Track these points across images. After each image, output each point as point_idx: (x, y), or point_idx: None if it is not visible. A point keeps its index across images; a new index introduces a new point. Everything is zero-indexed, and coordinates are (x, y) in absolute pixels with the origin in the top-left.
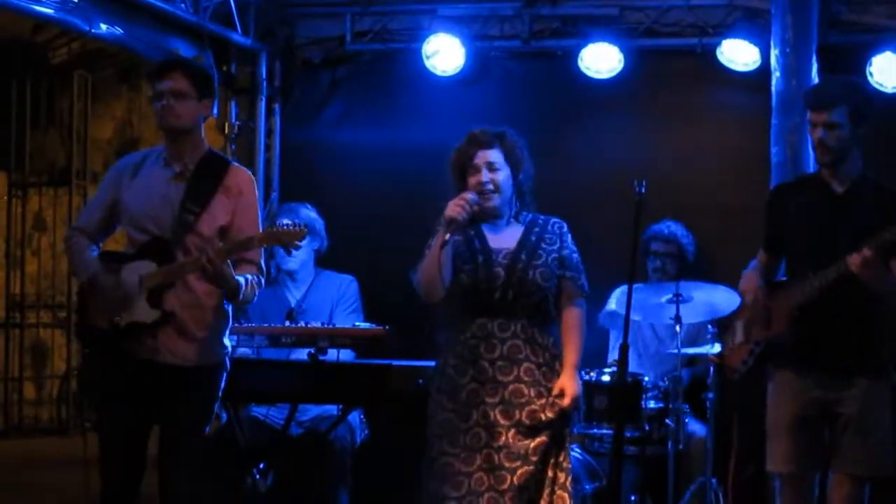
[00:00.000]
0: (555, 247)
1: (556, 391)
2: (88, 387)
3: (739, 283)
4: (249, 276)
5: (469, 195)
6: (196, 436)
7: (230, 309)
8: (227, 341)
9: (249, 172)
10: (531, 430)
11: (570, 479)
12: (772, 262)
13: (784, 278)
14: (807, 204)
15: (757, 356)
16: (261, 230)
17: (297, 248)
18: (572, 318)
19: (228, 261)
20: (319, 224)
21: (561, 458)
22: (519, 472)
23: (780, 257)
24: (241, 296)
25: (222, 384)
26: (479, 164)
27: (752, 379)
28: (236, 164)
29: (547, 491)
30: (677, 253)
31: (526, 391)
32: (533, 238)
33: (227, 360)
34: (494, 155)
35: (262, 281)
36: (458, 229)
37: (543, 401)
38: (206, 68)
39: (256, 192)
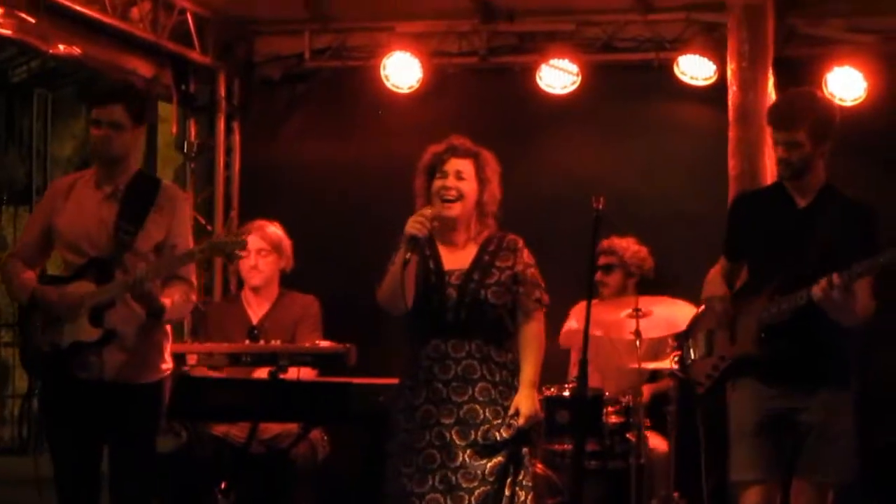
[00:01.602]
0: (509, 263)
1: (511, 410)
2: (41, 408)
3: (703, 289)
4: (178, 295)
5: (427, 211)
6: (145, 452)
7: (167, 327)
8: (168, 356)
9: (180, 189)
10: (487, 450)
11: (531, 496)
12: (734, 268)
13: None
14: (770, 216)
15: (722, 371)
16: (192, 244)
17: (239, 257)
18: (529, 333)
19: (157, 281)
20: (286, 243)
21: (520, 477)
22: (476, 492)
23: (742, 263)
24: (163, 317)
25: (165, 399)
26: (449, 170)
27: (716, 392)
28: (166, 182)
29: None
30: (618, 264)
31: (481, 411)
32: (486, 257)
33: (168, 374)
34: (466, 166)
35: (194, 297)
36: (417, 246)
37: (499, 420)
38: (144, 92)
39: (188, 208)
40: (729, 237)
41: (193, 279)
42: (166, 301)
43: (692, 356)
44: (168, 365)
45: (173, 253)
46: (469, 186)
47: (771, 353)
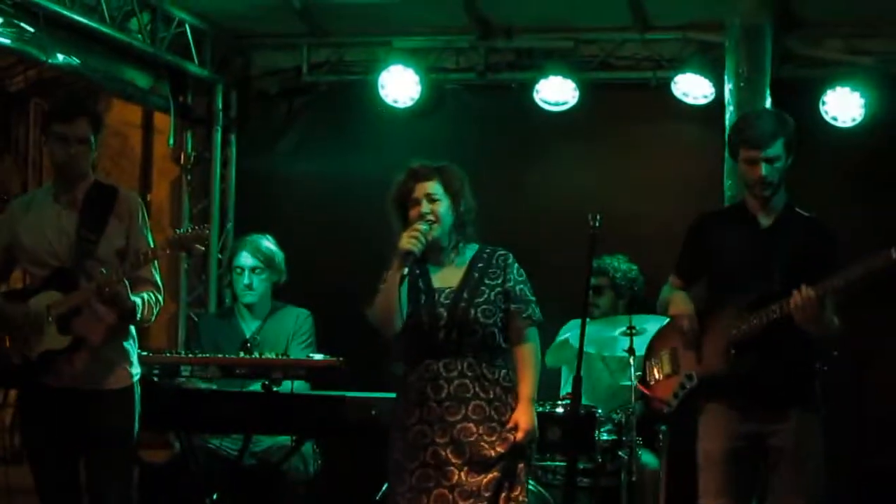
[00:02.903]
0: (499, 280)
1: (510, 424)
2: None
3: (666, 308)
4: (146, 296)
5: (421, 226)
6: (121, 459)
7: (133, 329)
8: (136, 360)
9: (137, 195)
10: (482, 467)
11: None
12: (684, 288)
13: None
14: (734, 236)
15: (689, 391)
16: (151, 245)
17: (200, 251)
18: (524, 350)
19: (126, 281)
20: (279, 257)
21: (516, 493)
22: None
23: (692, 285)
24: (137, 315)
25: (138, 405)
26: (419, 196)
27: (683, 412)
28: (123, 189)
29: None
30: (608, 285)
31: (474, 429)
32: (476, 274)
33: (139, 379)
34: (433, 187)
35: (161, 298)
36: (412, 261)
37: (494, 437)
38: (97, 107)
39: (145, 212)
40: (686, 258)
41: (158, 280)
42: (137, 300)
43: (656, 375)
44: (137, 370)
45: (138, 254)
46: (443, 206)
47: (740, 370)
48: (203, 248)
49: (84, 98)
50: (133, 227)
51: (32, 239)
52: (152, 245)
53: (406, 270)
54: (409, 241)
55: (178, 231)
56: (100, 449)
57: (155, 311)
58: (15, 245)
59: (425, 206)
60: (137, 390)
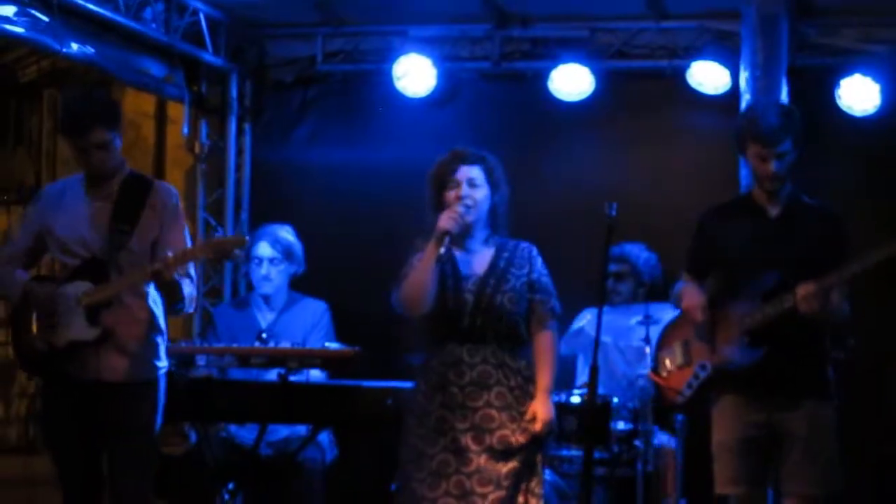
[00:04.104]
0: (524, 271)
1: (528, 416)
2: (41, 409)
3: (679, 300)
4: (187, 289)
5: (459, 208)
6: (144, 451)
7: (163, 322)
8: (163, 354)
9: (173, 187)
10: (503, 455)
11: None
12: (696, 281)
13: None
14: (743, 227)
15: (703, 381)
16: (189, 243)
17: (239, 257)
18: (544, 341)
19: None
20: (298, 248)
21: (533, 484)
22: (491, 497)
23: (704, 278)
24: (185, 306)
25: (163, 397)
26: (461, 178)
27: (697, 402)
28: (159, 181)
29: None
30: (630, 272)
31: (496, 416)
32: (502, 263)
33: (165, 373)
34: (476, 172)
35: (195, 293)
36: (450, 241)
37: (515, 425)
38: (108, 94)
39: (181, 204)
40: (696, 252)
41: (193, 273)
42: (186, 292)
43: (668, 366)
44: (164, 363)
45: (175, 252)
46: (482, 193)
47: (756, 360)
48: (241, 255)
49: (90, 100)
50: (166, 219)
51: (65, 228)
52: (188, 238)
53: (443, 250)
54: (448, 221)
55: (216, 235)
56: (122, 441)
57: (193, 305)
58: (47, 233)
59: (465, 190)
60: (163, 384)
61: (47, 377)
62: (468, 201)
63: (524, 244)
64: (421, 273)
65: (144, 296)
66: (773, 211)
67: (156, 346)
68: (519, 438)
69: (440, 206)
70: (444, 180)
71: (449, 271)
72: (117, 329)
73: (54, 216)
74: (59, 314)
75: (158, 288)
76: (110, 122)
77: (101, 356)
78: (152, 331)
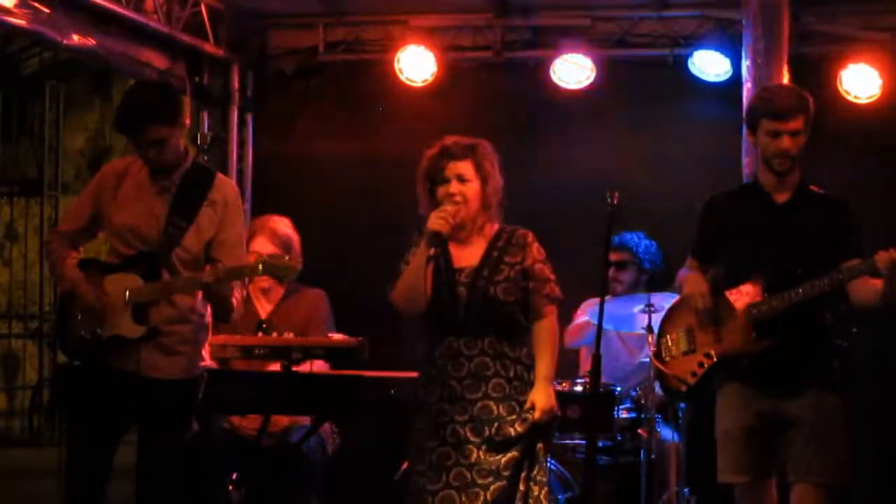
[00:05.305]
0: (518, 259)
1: (528, 405)
2: (62, 396)
3: (681, 286)
4: (238, 297)
5: (449, 207)
6: (174, 447)
7: (209, 323)
8: (205, 354)
9: (234, 184)
10: (502, 446)
11: (545, 492)
12: (701, 269)
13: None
14: (749, 214)
15: (708, 369)
16: (244, 241)
17: (288, 281)
18: (542, 328)
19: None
20: (295, 241)
21: (534, 472)
22: (492, 487)
23: (709, 266)
24: (231, 316)
25: (199, 395)
26: (450, 175)
27: (701, 390)
28: (221, 175)
29: None
30: (631, 260)
31: (494, 407)
32: (496, 253)
33: (203, 372)
34: (465, 167)
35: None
36: (441, 243)
37: (514, 416)
38: (167, 88)
39: (241, 203)
40: (702, 239)
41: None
42: (233, 302)
43: (672, 352)
44: (206, 362)
45: (231, 266)
46: (472, 188)
47: (763, 350)
48: (290, 280)
49: (145, 95)
50: (225, 217)
51: (121, 217)
52: (244, 238)
53: (433, 251)
54: (437, 222)
55: (271, 256)
56: (154, 435)
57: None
58: (102, 217)
59: (454, 187)
60: (201, 381)
61: (86, 364)
62: (458, 198)
63: (520, 231)
64: (412, 276)
65: (195, 295)
66: (781, 197)
67: (200, 345)
68: (517, 428)
69: (431, 199)
70: (433, 177)
71: (443, 265)
72: (163, 328)
73: (111, 201)
74: (106, 306)
75: (207, 298)
76: (166, 119)
77: (142, 353)
78: (198, 331)
